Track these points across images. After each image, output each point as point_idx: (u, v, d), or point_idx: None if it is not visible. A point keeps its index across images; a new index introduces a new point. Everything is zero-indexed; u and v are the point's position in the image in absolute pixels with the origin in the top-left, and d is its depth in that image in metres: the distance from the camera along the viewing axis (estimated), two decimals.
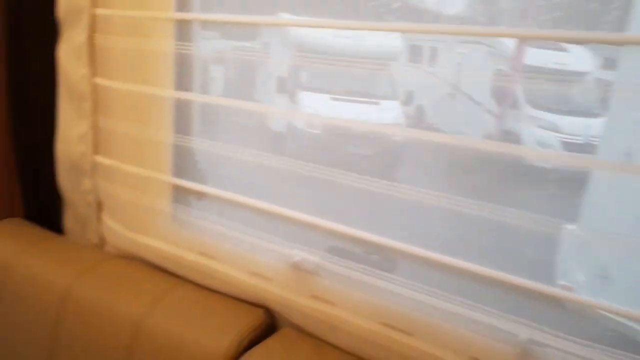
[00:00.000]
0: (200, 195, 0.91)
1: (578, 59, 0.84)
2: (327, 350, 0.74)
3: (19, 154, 1.12)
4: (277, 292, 0.79)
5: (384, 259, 0.73)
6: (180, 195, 0.93)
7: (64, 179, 1.04)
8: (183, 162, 0.92)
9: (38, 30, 1.02)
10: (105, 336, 0.82)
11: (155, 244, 0.93)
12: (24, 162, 1.13)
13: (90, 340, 0.84)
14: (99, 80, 0.97)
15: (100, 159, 1.00)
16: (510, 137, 0.96)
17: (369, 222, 0.72)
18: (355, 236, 0.73)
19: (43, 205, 1.13)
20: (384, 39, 0.82)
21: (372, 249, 0.73)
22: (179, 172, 0.92)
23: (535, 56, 0.77)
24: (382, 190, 0.70)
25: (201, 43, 0.90)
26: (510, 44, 0.80)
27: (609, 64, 0.72)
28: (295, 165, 0.78)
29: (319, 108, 0.83)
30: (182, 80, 0.91)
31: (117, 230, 0.99)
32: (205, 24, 0.90)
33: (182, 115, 0.91)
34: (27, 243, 1.02)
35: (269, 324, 0.81)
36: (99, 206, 1.04)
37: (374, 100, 0.89)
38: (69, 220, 1.08)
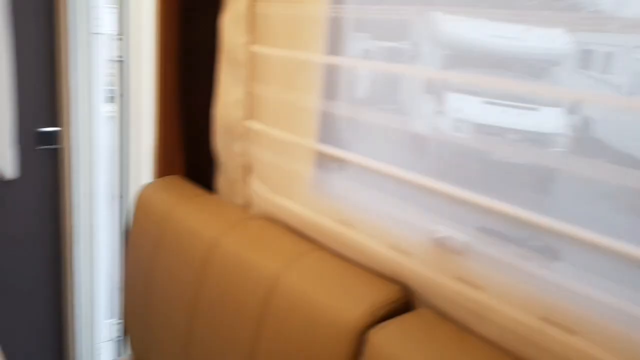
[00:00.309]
0: (343, 162, 0.89)
1: None
2: (469, 337, 0.67)
3: (183, 118, 1.22)
4: (417, 269, 0.74)
5: (546, 244, 0.64)
6: (324, 161, 0.93)
7: (219, 142, 1.11)
8: (328, 128, 0.91)
9: (206, 1, 1.09)
10: (243, 287, 0.85)
11: (296, 208, 0.94)
12: (186, 125, 1.23)
13: (229, 289, 0.88)
14: (256, 48, 1.00)
15: (251, 123, 1.04)
16: None
17: (530, 203, 0.64)
18: (513, 216, 0.64)
19: (200, 166, 1.22)
20: (548, 41, 0.72)
21: (533, 232, 0.64)
22: (323, 138, 0.92)
23: None
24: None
25: (352, 7, 0.88)
26: None
27: None
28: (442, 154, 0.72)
29: (469, 111, 0.76)
30: (334, 46, 0.89)
31: (262, 192, 1.03)
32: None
33: (330, 82, 0.90)
34: (184, 197, 1.10)
35: (404, 301, 0.76)
36: (247, 169, 1.08)
37: (532, 106, 0.79)
38: (220, 181, 1.15)
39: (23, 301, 1.82)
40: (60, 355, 1.95)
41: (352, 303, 0.73)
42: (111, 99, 1.76)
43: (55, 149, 1.74)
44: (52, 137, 1.72)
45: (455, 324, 0.70)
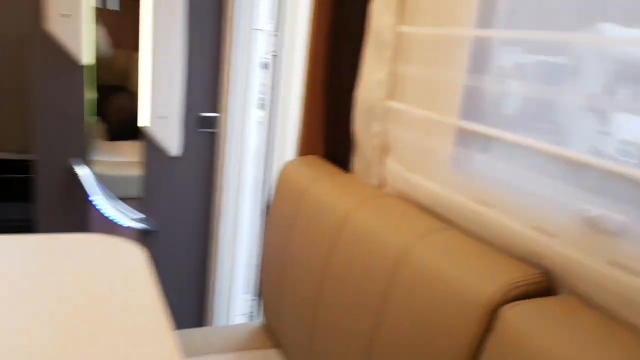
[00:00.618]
0: (487, 139, 0.86)
1: None
2: (617, 325, 0.60)
3: (327, 101, 1.29)
4: (562, 251, 0.69)
5: None
6: (465, 139, 0.90)
7: (358, 123, 1.14)
8: (472, 104, 0.89)
9: None
10: (372, 259, 0.87)
11: (433, 186, 0.93)
12: (329, 108, 1.28)
13: (358, 258, 0.90)
14: (403, 28, 1.02)
15: (392, 103, 1.05)
16: None
17: None
18: None
19: (338, 148, 1.27)
20: None
21: None
22: (466, 115, 0.89)
23: None
24: None
25: None
26: None
27: None
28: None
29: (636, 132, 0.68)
30: (485, 18, 0.87)
31: (398, 172, 1.03)
32: None
33: (478, 56, 0.88)
34: (321, 175, 1.16)
35: (544, 285, 0.70)
36: (384, 150, 1.10)
37: None
38: (356, 162, 1.18)
39: (174, 263, 2.05)
40: (200, 320, 2.16)
41: (485, 279, 0.69)
42: (262, 97, 1.91)
43: (213, 132, 1.94)
44: (211, 122, 1.92)
45: (602, 312, 0.63)
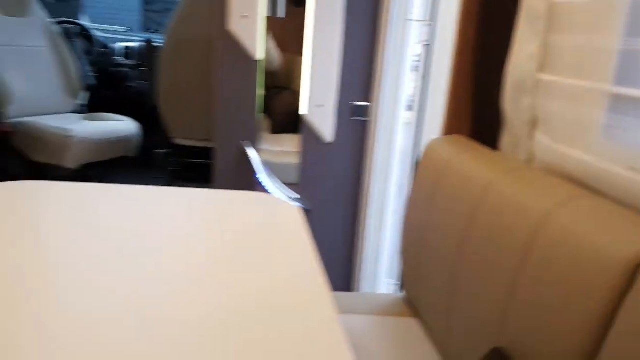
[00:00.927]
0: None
1: None
2: None
3: (475, 79, 1.30)
4: None
5: None
6: (618, 106, 0.86)
7: (508, 98, 1.14)
8: (626, 69, 0.84)
9: None
10: (511, 226, 0.88)
11: (584, 157, 0.90)
12: (475, 86, 1.30)
13: (497, 228, 0.91)
14: None
15: (542, 76, 1.04)
16: None
17: None
18: None
19: (485, 128, 1.28)
20: None
21: None
22: (620, 80, 0.85)
23: None
24: None
25: None
26: None
27: None
28: None
29: None
30: None
31: (547, 144, 1.02)
32: None
33: (633, 17, 0.83)
34: (464, 151, 1.18)
35: None
36: (533, 124, 1.08)
37: None
38: (504, 139, 1.18)
39: (323, 246, 2.22)
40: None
41: (628, 239, 0.67)
42: (413, 88, 1.97)
43: (364, 121, 2.06)
44: (363, 110, 2.04)
45: None
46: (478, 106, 1.30)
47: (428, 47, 1.88)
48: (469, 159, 1.13)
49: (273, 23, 4.00)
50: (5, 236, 0.88)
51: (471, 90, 1.32)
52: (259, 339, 0.66)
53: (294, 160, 2.30)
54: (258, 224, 1.08)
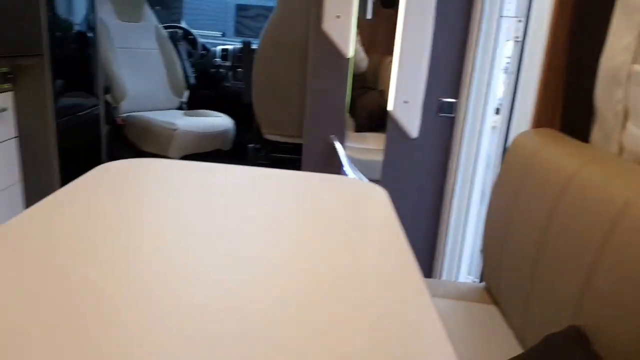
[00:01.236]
0: None
1: None
2: None
3: (567, 72, 1.30)
4: None
5: None
6: None
7: (600, 90, 1.14)
8: None
9: None
10: (592, 211, 0.89)
11: None
12: (567, 79, 1.30)
13: (579, 213, 0.93)
14: None
15: (637, 67, 1.04)
16: None
17: None
18: None
19: (576, 122, 1.28)
20: None
21: None
22: None
23: None
24: None
25: None
26: None
27: None
28: None
29: None
30: None
31: (638, 136, 1.01)
32: None
33: None
34: (552, 143, 1.20)
35: None
36: (625, 116, 1.08)
37: None
38: (595, 132, 1.18)
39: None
40: None
41: None
42: (503, 84, 1.97)
43: (451, 118, 2.09)
44: (450, 107, 2.07)
45: None
46: (569, 100, 1.31)
47: (519, 43, 1.88)
48: (556, 150, 1.15)
49: (360, 25, 4.12)
50: (119, 208, 1.05)
51: (562, 84, 1.33)
52: (353, 318, 0.67)
53: (376, 157, 2.38)
54: (347, 202, 1.17)
